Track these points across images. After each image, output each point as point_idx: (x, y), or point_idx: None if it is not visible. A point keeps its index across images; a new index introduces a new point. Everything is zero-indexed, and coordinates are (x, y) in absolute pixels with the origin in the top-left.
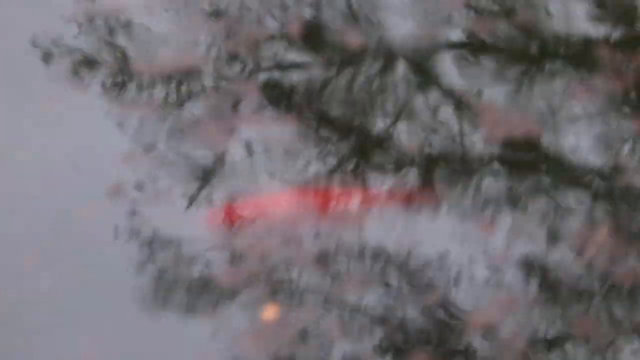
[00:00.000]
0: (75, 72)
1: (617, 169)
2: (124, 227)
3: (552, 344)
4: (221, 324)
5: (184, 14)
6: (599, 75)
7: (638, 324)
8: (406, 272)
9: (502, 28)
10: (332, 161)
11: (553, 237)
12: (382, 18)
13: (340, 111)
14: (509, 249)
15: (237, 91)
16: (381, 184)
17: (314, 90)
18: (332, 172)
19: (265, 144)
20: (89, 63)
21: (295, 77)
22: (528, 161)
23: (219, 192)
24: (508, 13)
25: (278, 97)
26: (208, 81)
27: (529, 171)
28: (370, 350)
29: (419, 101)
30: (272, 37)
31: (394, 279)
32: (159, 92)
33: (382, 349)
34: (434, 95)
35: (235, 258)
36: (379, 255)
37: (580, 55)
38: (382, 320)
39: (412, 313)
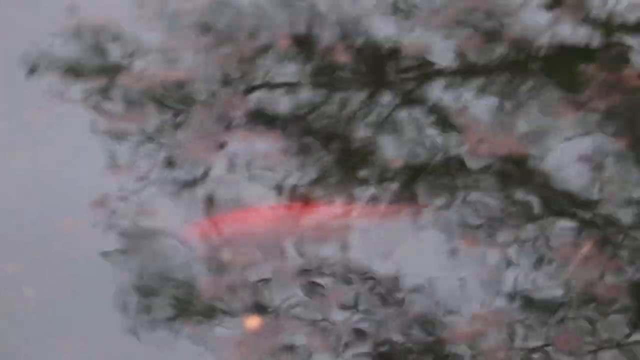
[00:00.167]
0: (62, 84)
1: (601, 186)
2: (108, 237)
3: (535, 357)
4: (205, 335)
5: (173, 28)
6: (585, 93)
7: (620, 338)
8: (389, 286)
9: (490, 45)
10: (316, 175)
11: (537, 254)
12: (371, 34)
13: (326, 126)
14: (493, 264)
15: (224, 105)
16: (365, 198)
17: (301, 105)
18: (316, 186)
19: (250, 157)
20: (77, 75)
21: (283, 93)
22: (513, 178)
23: (203, 205)
24: (496, 31)
25: (265, 113)
26: (196, 95)
27: (514, 188)
28: None
29: (404, 116)
30: (261, 52)
31: (377, 293)
32: (146, 105)
33: None
34: (419, 110)
35: (219, 270)
36: (362, 268)
37: (566, 73)
38: (365, 334)
39: (395, 326)
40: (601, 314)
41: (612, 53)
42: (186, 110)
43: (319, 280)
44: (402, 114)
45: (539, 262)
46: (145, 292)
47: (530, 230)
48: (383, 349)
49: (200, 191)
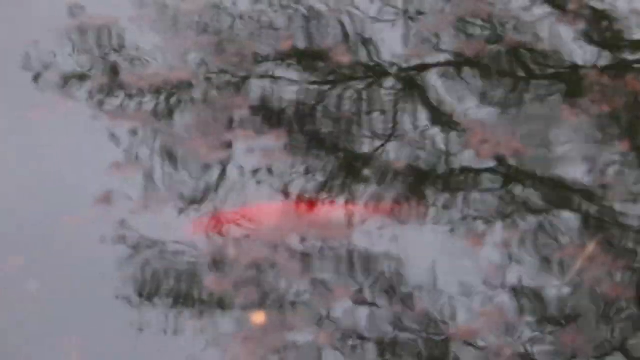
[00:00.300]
0: (64, 83)
1: (604, 189)
2: (111, 235)
3: (539, 356)
4: (210, 330)
5: (174, 28)
6: (587, 97)
7: (625, 336)
8: (393, 284)
9: (491, 50)
10: (319, 173)
11: (542, 254)
12: (373, 37)
13: (329, 126)
14: (497, 264)
15: (226, 105)
16: (369, 197)
17: (304, 105)
18: (319, 184)
19: (253, 156)
20: (79, 74)
21: (285, 91)
22: (516, 178)
23: (207, 202)
24: (497, 35)
25: (268, 112)
26: (198, 95)
27: (517, 188)
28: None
29: (407, 118)
30: (263, 54)
31: (380, 290)
32: (148, 104)
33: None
34: (422, 112)
35: (224, 266)
36: (366, 267)
37: (568, 77)
38: (369, 330)
39: (398, 323)
40: (606, 313)
41: (614, 57)
42: (188, 110)
43: (322, 276)
44: (405, 114)
45: (544, 261)
46: (149, 288)
47: (534, 230)
48: (386, 345)
49: (204, 189)
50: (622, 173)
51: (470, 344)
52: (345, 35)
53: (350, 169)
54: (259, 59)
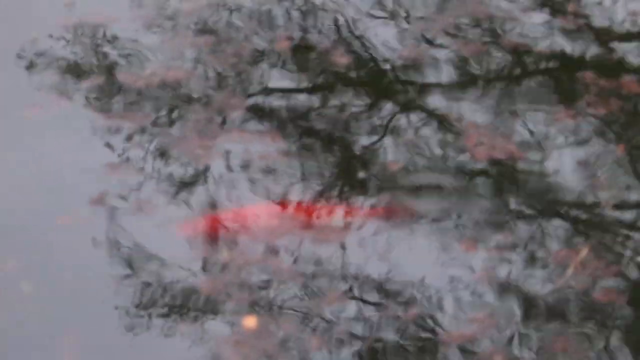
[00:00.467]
0: (62, 82)
1: (598, 192)
2: (105, 236)
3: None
4: (203, 333)
5: (171, 28)
6: (583, 99)
7: (616, 342)
8: (386, 288)
9: (490, 51)
10: (314, 176)
11: (533, 258)
12: (370, 38)
13: (324, 127)
14: (489, 268)
15: (223, 106)
16: (363, 199)
17: (299, 106)
18: (314, 187)
19: (248, 157)
20: (76, 73)
21: (281, 93)
22: (510, 181)
23: (201, 204)
24: (496, 37)
25: (264, 113)
26: (194, 95)
27: (511, 191)
28: None
29: (403, 119)
30: (259, 54)
31: (373, 294)
32: (144, 104)
33: None
34: (418, 113)
35: (217, 269)
36: (359, 270)
37: (564, 79)
38: (361, 334)
39: (390, 328)
40: (598, 318)
41: (609, 60)
42: (184, 110)
43: (316, 280)
44: (401, 117)
45: (536, 266)
46: (144, 290)
47: (527, 234)
48: (379, 350)
49: (198, 190)
50: (616, 177)
51: (461, 350)
52: (343, 36)
53: (345, 171)
54: (255, 60)
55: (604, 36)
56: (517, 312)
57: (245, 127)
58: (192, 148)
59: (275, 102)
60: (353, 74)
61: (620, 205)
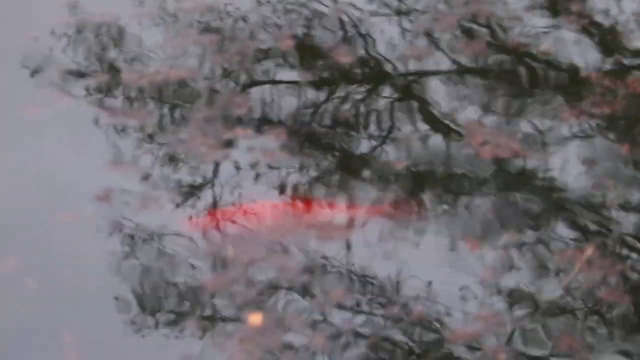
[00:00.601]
0: (65, 81)
1: (602, 191)
2: (108, 234)
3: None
4: (208, 330)
5: (175, 26)
6: (588, 99)
7: (621, 341)
8: (390, 286)
9: (494, 50)
10: (318, 174)
11: (539, 257)
12: (373, 37)
13: (329, 126)
14: (494, 267)
15: (227, 104)
16: (367, 198)
17: (304, 105)
18: (318, 185)
19: (253, 155)
20: (80, 72)
21: (285, 91)
22: (515, 181)
23: (206, 200)
24: (499, 36)
25: (268, 111)
26: (198, 93)
27: (516, 191)
28: None
29: (407, 118)
30: (264, 52)
31: (378, 293)
32: (148, 102)
33: None
34: (422, 113)
35: (221, 266)
36: (364, 268)
37: (569, 80)
38: (365, 333)
39: (395, 326)
40: (603, 318)
41: (614, 60)
42: (189, 108)
43: (320, 278)
44: (405, 116)
45: (541, 265)
46: (147, 287)
47: (532, 233)
48: (383, 348)
49: (203, 187)
50: (621, 177)
51: (466, 348)
52: (346, 35)
53: (349, 170)
54: (259, 58)
55: (608, 35)
56: (522, 310)
57: (250, 124)
58: (196, 146)
59: (279, 100)
60: (356, 72)
61: (625, 205)
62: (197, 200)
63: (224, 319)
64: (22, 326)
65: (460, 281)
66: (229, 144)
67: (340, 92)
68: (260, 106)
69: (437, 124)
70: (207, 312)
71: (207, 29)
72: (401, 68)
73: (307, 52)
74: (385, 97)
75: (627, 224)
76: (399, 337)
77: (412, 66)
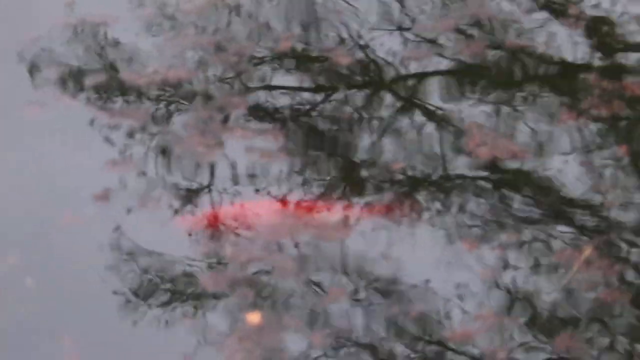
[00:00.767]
0: (62, 81)
1: (601, 193)
2: (108, 232)
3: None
4: (205, 329)
5: (173, 27)
6: (586, 100)
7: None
8: (388, 285)
9: (492, 52)
10: (315, 174)
11: (537, 258)
12: (370, 38)
13: (326, 127)
14: (492, 267)
15: (224, 104)
16: (365, 197)
17: (301, 106)
18: (315, 184)
19: (251, 155)
20: (77, 72)
21: (282, 91)
22: (513, 181)
23: (204, 201)
24: (498, 38)
25: (266, 112)
26: (196, 94)
27: (514, 191)
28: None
29: (405, 118)
30: (261, 53)
31: (376, 291)
32: (146, 102)
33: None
34: (420, 113)
35: (220, 265)
36: (362, 268)
37: (567, 81)
38: (363, 331)
39: (394, 325)
40: (601, 317)
41: (613, 62)
42: (186, 108)
43: (318, 277)
44: (403, 116)
45: (540, 265)
46: (146, 286)
47: (531, 233)
48: (381, 347)
49: (201, 187)
50: (619, 178)
51: (464, 347)
52: (345, 37)
53: (346, 170)
54: (257, 59)
55: (606, 38)
56: (521, 310)
57: (247, 125)
58: (194, 146)
59: (277, 100)
60: (354, 74)
61: (624, 206)
62: (195, 200)
63: (223, 318)
64: (22, 326)
65: (458, 281)
66: (227, 144)
67: (338, 94)
68: (258, 107)
69: (434, 125)
70: (206, 311)
71: (205, 30)
72: (399, 68)
73: (304, 53)
74: (383, 97)
75: (625, 224)
76: (396, 335)
77: (411, 67)
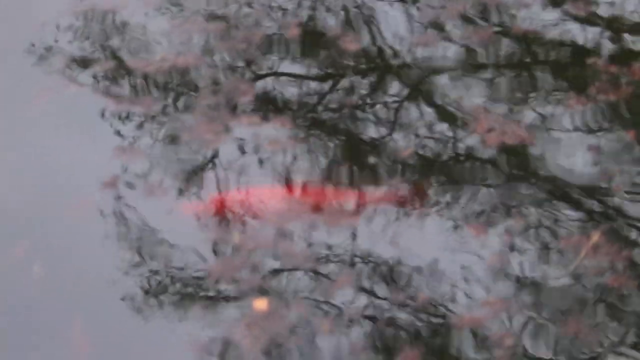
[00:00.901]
0: (70, 68)
1: (609, 176)
2: (115, 220)
3: (542, 344)
4: (213, 315)
5: (181, 14)
6: (593, 85)
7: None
8: (396, 271)
9: (500, 38)
10: (323, 161)
11: (544, 243)
12: (380, 24)
13: (335, 113)
14: (500, 253)
15: (232, 91)
16: (373, 184)
17: (309, 92)
18: (324, 171)
19: (258, 142)
20: (85, 59)
21: (290, 79)
22: (521, 167)
23: (211, 188)
24: (505, 24)
25: (274, 99)
26: (204, 80)
27: (522, 176)
28: (360, 345)
29: (413, 104)
30: (269, 40)
31: (383, 278)
32: (154, 89)
33: (372, 346)
34: (428, 100)
35: (227, 252)
36: (369, 253)
37: (575, 65)
38: (371, 318)
39: (402, 312)
40: (609, 303)
41: (620, 47)
42: (194, 95)
43: (326, 263)
44: (411, 103)
45: (548, 250)
46: (154, 272)
47: (539, 219)
48: (388, 333)
49: (208, 174)
50: (627, 161)
51: (472, 333)
52: (353, 23)
53: (355, 157)
54: (265, 46)
55: (614, 23)
56: (529, 296)
57: (255, 112)
58: (201, 133)
59: (285, 87)
60: (362, 60)
61: (631, 191)
62: (203, 187)
63: (230, 305)
64: (30, 314)
65: (465, 267)
66: (234, 131)
67: (346, 80)
68: (266, 93)
69: (443, 111)
70: (213, 297)
71: (213, 17)
72: (407, 56)
73: (313, 39)
74: (390, 84)
75: (633, 209)
76: (404, 322)
77: (419, 54)
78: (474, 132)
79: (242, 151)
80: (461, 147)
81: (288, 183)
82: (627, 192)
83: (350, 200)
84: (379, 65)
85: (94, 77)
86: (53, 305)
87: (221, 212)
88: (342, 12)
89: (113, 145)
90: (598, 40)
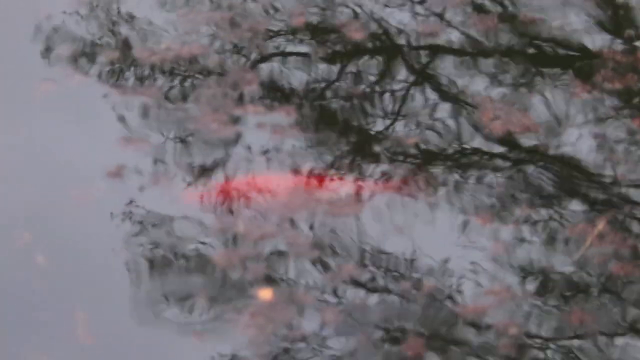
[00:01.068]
0: (75, 57)
1: (614, 166)
2: (121, 209)
3: (547, 334)
4: (218, 305)
5: (187, 3)
6: (599, 73)
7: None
8: (402, 261)
9: (506, 26)
10: (329, 150)
11: (550, 232)
12: (385, 13)
13: (340, 102)
14: (506, 242)
15: (238, 80)
16: (379, 173)
17: (315, 82)
18: (329, 160)
19: (264, 131)
20: (90, 49)
21: (296, 67)
22: (527, 156)
23: (216, 176)
24: (511, 12)
25: (279, 88)
26: (209, 70)
27: (528, 165)
28: (365, 335)
29: (419, 93)
30: (275, 29)
31: (389, 268)
32: (159, 79)
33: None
34: (433, 89)
35: (232, 241)
36: (375, 243)
37: (580, 54)
38: (376, 307)
39: (406, 300)
40: (614, 292)
41: (626, 34)
42: (199, 85)
43: (331, 253)
44: (417, 91)
45: (553, 239)
46: (158, 263)
47: (544, 207)
48: (393, 322)
49: (214, 164)
50: (633, 151)
51: (477, 322)
52: (358, 12)
53: (360, 146)
54: (271, 35)
55: (620, 10)
56: (534, 285)
57: (261, 101)
58: (206, 122)
59: (290, 76)
60: (367, 49)
61: (637, 179)
62: (208, 176)
63: (235, 294)
64: (34, 303)
65: (471, 256)
66: (240, 120)
67: (351, 69)
68: (271, 83)
69: (448, 99)
70: (218, 287)
71: (218, 6)
72: (413, 43)
73: (318, 28)
74: (396, 72)
75: (638, 198)
76: (409, 311)
77: (424, 42)
78: (479, 120)
79: (248, 140)
80: (466, 135)
81: (293, 172)
82: (632, 180)
83: (355, 189)
84: (383, 53)
85: (99, 67)
86: (56, 296)
87: (227, 201)
88: (348, 1)
89: (118, 135)
90: (604, 27)
